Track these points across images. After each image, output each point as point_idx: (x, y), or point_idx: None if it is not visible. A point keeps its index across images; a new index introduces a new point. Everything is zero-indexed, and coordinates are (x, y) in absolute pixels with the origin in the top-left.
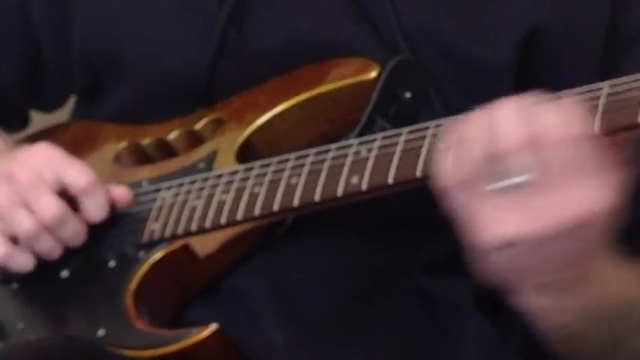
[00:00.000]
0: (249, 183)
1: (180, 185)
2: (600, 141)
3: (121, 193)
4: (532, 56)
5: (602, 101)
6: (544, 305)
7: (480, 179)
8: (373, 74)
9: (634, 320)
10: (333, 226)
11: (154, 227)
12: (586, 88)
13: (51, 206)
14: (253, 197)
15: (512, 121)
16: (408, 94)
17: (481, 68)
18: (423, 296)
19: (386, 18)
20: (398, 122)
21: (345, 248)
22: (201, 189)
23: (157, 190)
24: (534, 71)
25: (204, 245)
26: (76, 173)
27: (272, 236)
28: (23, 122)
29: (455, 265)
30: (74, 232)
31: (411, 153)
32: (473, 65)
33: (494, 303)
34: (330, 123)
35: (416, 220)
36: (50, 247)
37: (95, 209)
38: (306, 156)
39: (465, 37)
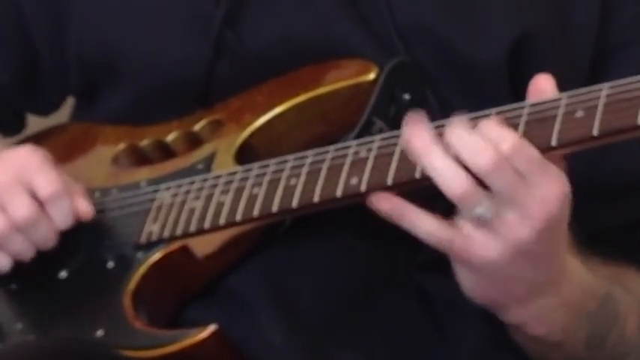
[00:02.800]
0: (248, 184)
1: (179, 186)
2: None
3: (83, 207)
4: (523, 59)
5: (601, 102)
6: (531, 314)
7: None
8: (372, 76)
9: (609, 313)
10: (332, 226)
11: (152, 228)
12: (585, 89)
13: (23, 207)
14: (252, 198)
15: (449, 173)
16: (406, 96)
17: (475, 68)
18: (422, 295)
19: (381, 17)
20: (396, 124)
21: (343, 248)
22: (199, 190)
23: (156, 191)
24: (526, 73)
25: (202, 246)
26: (44, 181)
27: (271, 237)
28: (19, 125)
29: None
30: (45, 235)
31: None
32: (467, 65)
33: None
34: (328, 124)
35: None
36: (22, 248)
37: (58, 217)
38: (305, 157)
39: (459, 36)
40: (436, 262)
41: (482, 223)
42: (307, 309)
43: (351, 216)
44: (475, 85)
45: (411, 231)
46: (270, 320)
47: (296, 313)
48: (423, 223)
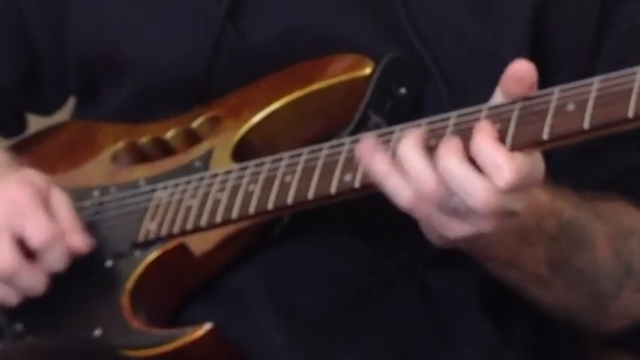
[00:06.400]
0: (244, 181)
1: (176, 185)
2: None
3: (79, 243)
4: (543, 31)
5: (592, 95)
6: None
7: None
8: (367, 70)
9: (573, 235)
10: (332, 224)
11: (150, 227)
12: (577, 83)
13: (4, 258)
14: (248, 196)
15: (421, 172)
16: (402, 90)
17: (493, 55)
18: (425, 294)
19: (393, 8)
20: (393, 118)
21: (344, 247)
22: (196, 188)
23: (153, 190)
24: (545, 49)
25: (200, 244)
26: (36, 228)
27: (269, 235)
28: (21, 127)
29: (459, 263)
30: (30, 283)
31: None
32: (487, 53)
33: (496, 305)
34: (325, 120)
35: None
36: (6, 296)
37: (53, 262)
38: (300, 154)
39: (476, 24)
40: (443, 260)
41: (454, 211)
42: (307, 309)
43: (352, 215)
44: (496, 74)
45: (391, 198)
46: (270, 320)
47: (296, 313)
48: (402, 192)
